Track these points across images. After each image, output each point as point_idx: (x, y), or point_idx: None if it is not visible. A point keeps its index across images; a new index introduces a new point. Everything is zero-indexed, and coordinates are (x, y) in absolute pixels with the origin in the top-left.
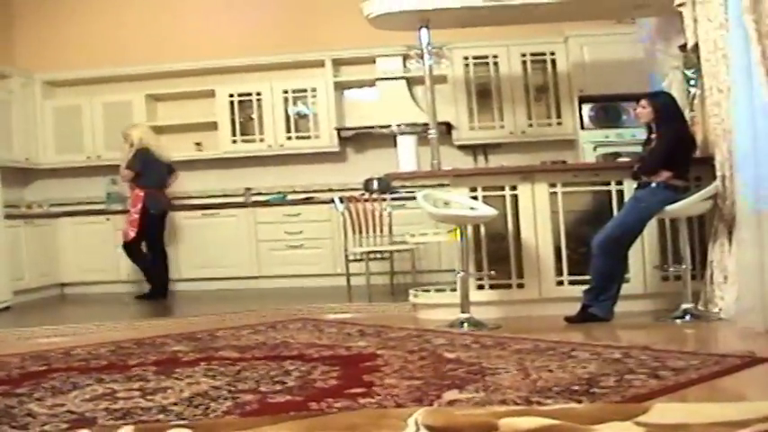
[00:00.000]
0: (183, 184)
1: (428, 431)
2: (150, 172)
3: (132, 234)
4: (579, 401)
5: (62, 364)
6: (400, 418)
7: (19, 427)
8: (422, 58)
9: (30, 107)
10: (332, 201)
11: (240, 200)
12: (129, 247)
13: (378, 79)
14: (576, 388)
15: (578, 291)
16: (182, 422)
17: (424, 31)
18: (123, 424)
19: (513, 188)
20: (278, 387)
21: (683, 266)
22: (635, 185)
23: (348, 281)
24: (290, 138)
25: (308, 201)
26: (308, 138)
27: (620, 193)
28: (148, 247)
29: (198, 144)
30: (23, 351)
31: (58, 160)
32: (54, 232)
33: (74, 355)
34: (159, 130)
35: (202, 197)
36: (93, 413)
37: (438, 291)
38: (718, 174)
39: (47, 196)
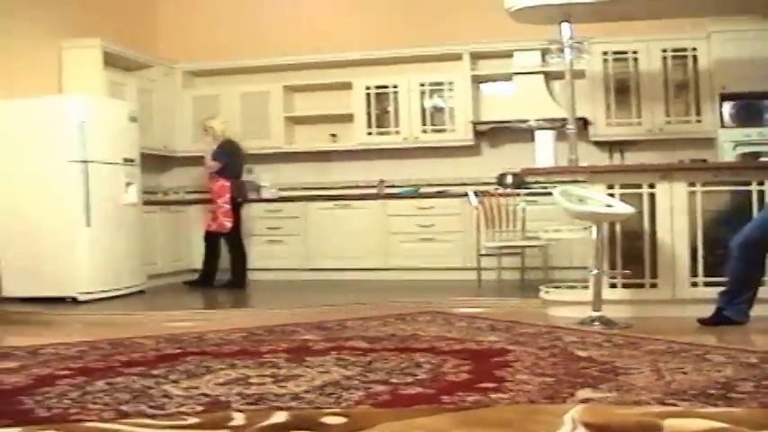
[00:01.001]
0: (318, 174)
1: (586, 429)
2: (234, 162)
3: (229, 224)
4: (716, 405)
5: (195, 348)
6: (555, 414)
7: (156, 407)
8: (562, 52)
9: (170, 96)
10: (465, 195)
11: (373, 192)
12: (212, 238)
13: (515, 74)
14: (713, 392)
15: (713, 293)
16: (336, 410)
17: (565, 25)
18: (277, 409)
19: (651, 186)
20: (409, 379)
21: None
22: None
23: (479, 275)
24: (425, 131)
25: (440, 194)
26: (444, 131)
27: (761, 194)
28: (230, 237)
29: (333, 135)
30: (158, 334)
31: (195, 148)
32: (187, 219)
33: (206, 340)
34: (295, 120)
35: (336, 188)
36: (227, 397)
37: (569, 288)
38: None
39: (182, 183)
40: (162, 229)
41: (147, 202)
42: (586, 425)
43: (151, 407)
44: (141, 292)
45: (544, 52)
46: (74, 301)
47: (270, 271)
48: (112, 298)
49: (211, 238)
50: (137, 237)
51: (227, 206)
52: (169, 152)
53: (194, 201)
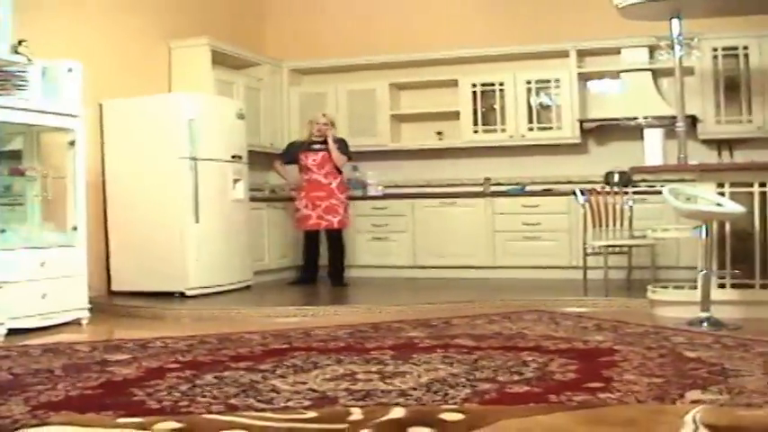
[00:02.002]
0: (423, 172)
1: (708, 431)
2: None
3: (349, 222)
4: None
5: (302, 344)
6: (677, 414)
7: (264, 401)
8: (671, 49)
9: (276, 94)
10: (572, 193)
11: (479, 189)
12: (313, 235)
13: (623, 71)
14: None
15: None
16: (453, 407)
17: (675, 21)
18: (395, 405)
19: (762, 185)
20: (516, 377)
21: None
22: None
23: (585, 274)
24: (531, 128)
25: (546, 192)
26: (550, 129)
27: None
28: (340, 234)
29: (439, 133)
30: (264, 329)
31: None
32: (292, 215)
33: (313, 336)
34: (401, 118)
35: (441, 186)
36: (335, 393)
37: (676, 288)
38: None
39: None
40: (269, 225)
41: (253, 199)
42: (709, 426)
43: (259, 401)
44: (248, 287)
45: (652, 49)
46: (182, 295)
47: (375, 268)
48: (220, 293)
49: (312, 235)
50: (244, 233)
51: (347, 202)
52: (276, 149)
53: (289, 199)
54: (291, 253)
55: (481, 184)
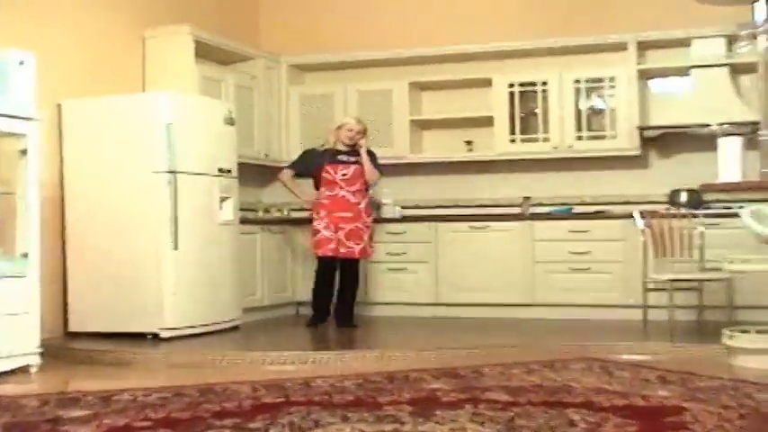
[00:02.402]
0: (449, 190)
1: None
2: None
3: (372, 252)
4: None
5: (301, 397)
6: None
7: None
8: (754, 39)
9: (273, 95)
10: (629, 216)
11: (516, 211)
12: (331, 264)
13: (693, 67)
14: None
15: None
16: None
17: (759, 5)
18: None
19: None
20: None
21: None
22: None
23: (645, 314)
24: (580, 137)
25: (598, 215)
26: (603, 138)
27: None
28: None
29: (468, 143)
30: (255, 378)
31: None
32: (292, 241)
33: (314, 387)
34: (423, 125)
35: (471, 206)
36: None
37: (760, 332)
38: None
39: (287, 199)
40: (263, 253)
41: (245, 221)
42: None
43: None
44: (236, 328)
45: (731, 40)
46: (155, 337)
47: (390, 305)
48: (202, 335)
49: (329, 262)
50: (233, 262)
51: (372, 226)
52: (272, 162)
53: (301, 220)
54: (290, 286)
55: (519, 205)
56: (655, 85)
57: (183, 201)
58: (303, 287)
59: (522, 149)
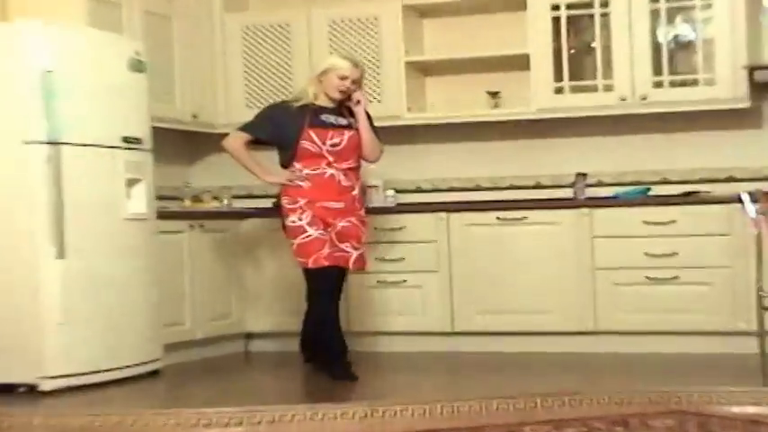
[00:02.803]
0: (466, 165)
1: None
2: None
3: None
4: None
5: None
6: None
7: None
8: None
9: (202, 26)
10: (736, 199)
11: (566, 195)
12: (333, 277)
13: None
14: None
15: None
16: None
17: None
18: None
19: None
20: None
21: None
22: None
23: (762, 345)
24: (659, 84)
25: (688, 198)
26: (694, 83)
27: None
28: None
29: (493, 95)
30: None
31: (244, 118)
32: (238, 244)
33: None
34: (425, 68)
35: (499, 188)
36: None
37: None
38: None
39: (227, 181)
40: (193, 262)
41: (165, 215)
42: None
43: None
44: (155, 373)
45: None
46: (32, 390)
47: (385, 336)
48: (103, 385)
49: (333, 277)
50: (148, 276)
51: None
52: (203, 126)
53: (252, 212)
54: (235, 311)
55: (570, 186)
56: None
57: (70, 186)
58: (255, 311)
59: (574, 103)
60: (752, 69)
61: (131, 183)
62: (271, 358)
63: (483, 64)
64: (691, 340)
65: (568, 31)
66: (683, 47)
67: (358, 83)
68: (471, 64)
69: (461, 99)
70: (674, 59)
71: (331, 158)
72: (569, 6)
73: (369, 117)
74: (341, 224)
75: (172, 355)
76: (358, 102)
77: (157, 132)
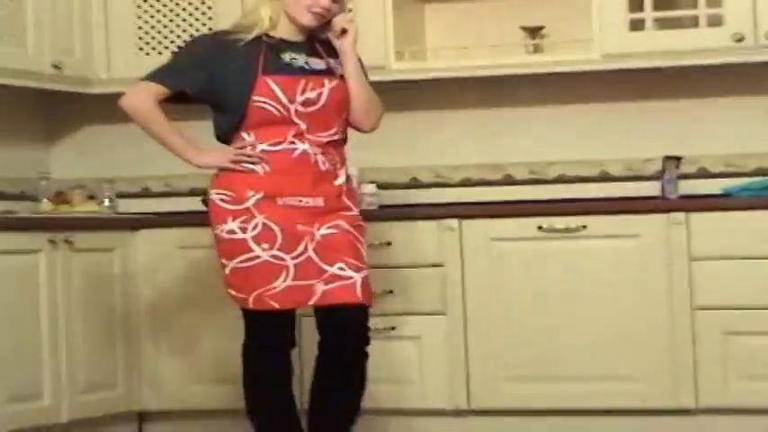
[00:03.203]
0: (486, 146)
1: None
2: None
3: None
4: None
5: None
6: None
7: None
8: None
9: None
10: None
11: (649, 191)
12: (286, 324)
13: None
14: None
15: None
16: None
17: None
18: None
19: None
20: None
21: None
22: None
23: None
24: None
25: None
26: None
27: None
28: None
29: (532, 32)
30: None
31: (144, 71)
32: (132, 269)
33: None
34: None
35: (538, 180)
36: None
37: None
38: None
39: (110, 170)
40: (58, 299)
41: (10, 224)
42: None
43: None
44: None
45: None
46: None
47: (366, 415)
48: None
49: (282, 327)
50: None
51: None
52: (72, 83)
53: (147, 219)
54: (121, 376)
55: (656, 177)
56: None
57: None
58: (153, 380)
59: (660, 45)
60: None
61: None
62: None
63: None
64: None
65: None
66: None
67: (341, 1)
68: None
69: (482, 39)
70: None
71: (303, 125)
72: None
73: (361, 61)
74: (321, 232)
75: None
76: (344, 31)
77: (0, 93)
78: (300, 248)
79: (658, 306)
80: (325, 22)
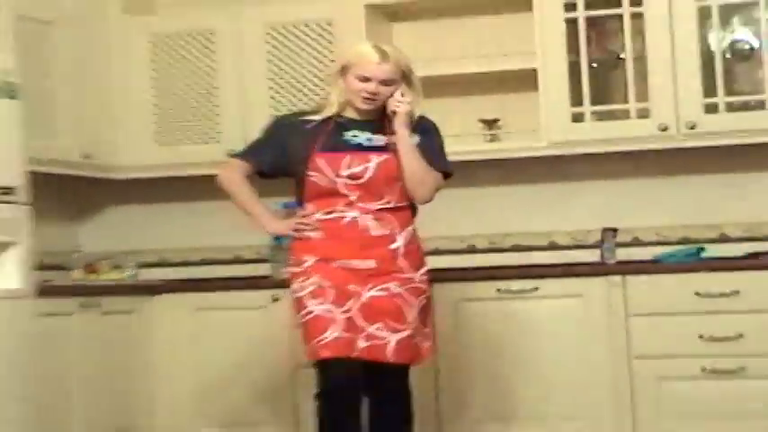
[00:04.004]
0: (451, 218)
1: None
2: None
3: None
4: None
5: None
6: None
7: None
8: None
9: (96, 36)
10: None
11: (590, 258)
12: (349, 380)
13: None
14: None
15: None
16: None
17: None
18: None
19: None
20: None
21: None
22: None
23: None
24: (712, 107)
25: (755, 260)
26: (758, 106)
27: None
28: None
29: (489, 123)
30: None
31: (161, 159)
32: (150, 329)
33: None
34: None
35: (499, 249)
36: None
37: None
38: None
39: (132, 244)
40: (87, 354)
41: (47, 290)
42: None
43: None
44: None
45: None
46: None
47: None
48: None
49: (348, 376)
50: (20, 376)
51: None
52: (99, 170)
53: (164, 285)
54: (148, 424)
55: (596, 246)
56: None
57: None
58: (170, 424)
59: (597, 134)
60: None
61: (1, 248)
62: None
63: (474, 83)
64: None
65: (589, 37)
66: (743, 57)
67: (395, 83)
68: (458, 82)
69: (446, 129)
70: (732, 75)
71: (352, 196)
72: (589, 5)
73: (429, 130)
74: (368, 294)
75: None
76: (393, 112)
77: (37, 179)
78: (348, 305)
79: (600, 355)
80: (379, 105)
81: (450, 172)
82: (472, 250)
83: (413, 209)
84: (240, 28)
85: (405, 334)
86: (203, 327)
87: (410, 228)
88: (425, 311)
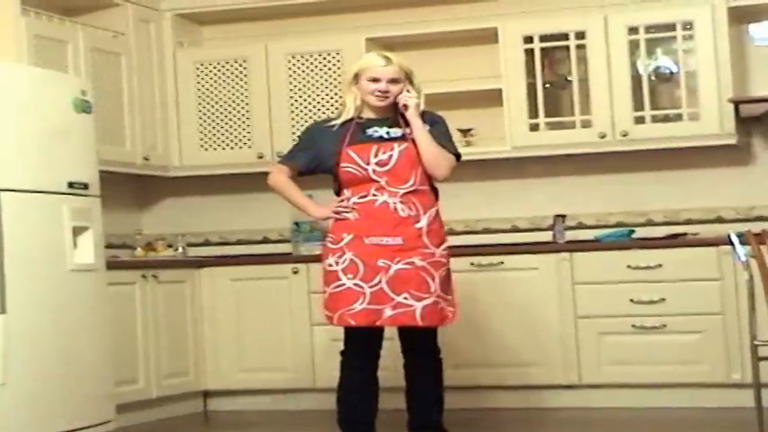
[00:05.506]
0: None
1: None
2: None
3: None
4: None
5: None
6: None
7: None
8: None
9: (153, 62)
10: (726, 242)
11: (544, 238)
12: (372, 345)
13: None
14: None
15: None
16: None
17: None
18: None
19: None
20: None
21: None
22: None
23: (758, 397)
24: (640, 119)
25: (675, 241)
26: (677, 119)
27: None
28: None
29: (465, 133)
30: None
31: (204, 161)
32: (197, 295)
33: None
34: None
35: (472, 231)
36: None
37: None
38: None
39: (182, 228)
40: (147, 314)
41: (116, 265)
42: None
43: None
44: None
45: None
46: None
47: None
48: None
49: (367, 342)
50: (97, 331)
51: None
52: (155, 170)
53: (209, 260)
54: (192, 368)
55: (549, 228)
56: (756, 31)
57: (10, 235)
58: (213, 368)
59: (550, 140)
60: (738, 103)
61: (78, 231)
62: (230, 418)
63: (453, 100)
64: (681, 393)
65: (543, 64)
66: (664, 80)
67: (399, 82)
68: (441, 100)
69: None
70: (656, 93)
71: (382, 181)
72: (543, 38)
73: (437, 122)
74: (396, 267)
75: (125, 415)
76: (405, 106)
77: (106, 177)
78: (376, 280)
79: (552, 315)
80: (389, 102)
81: (460, 154)
82: (451, 232)
83: (435, 193)
84: (267, 56)
85: (429, 301)
86: (239, 293)
87: (433, 209)
88: (447, 282)
